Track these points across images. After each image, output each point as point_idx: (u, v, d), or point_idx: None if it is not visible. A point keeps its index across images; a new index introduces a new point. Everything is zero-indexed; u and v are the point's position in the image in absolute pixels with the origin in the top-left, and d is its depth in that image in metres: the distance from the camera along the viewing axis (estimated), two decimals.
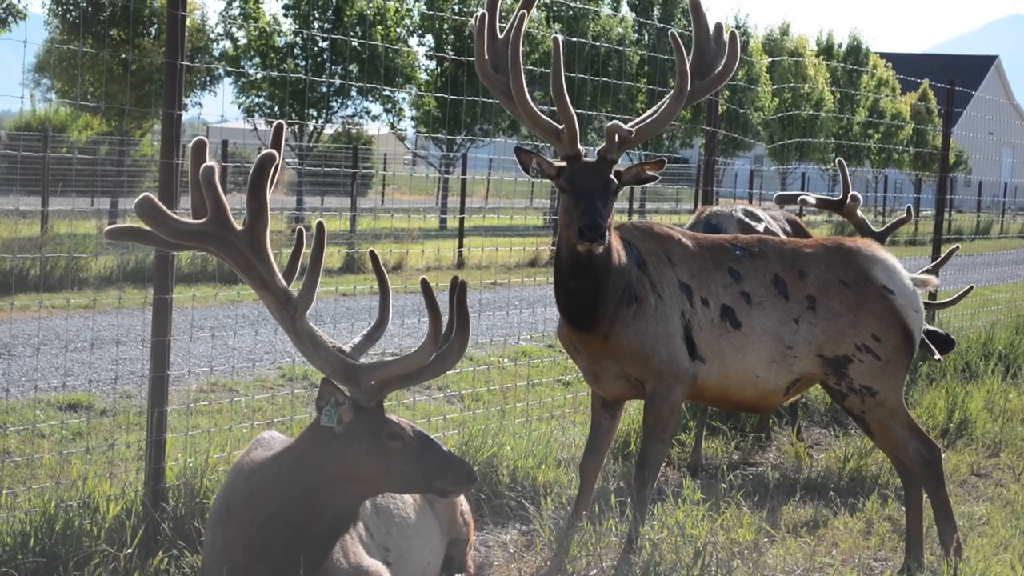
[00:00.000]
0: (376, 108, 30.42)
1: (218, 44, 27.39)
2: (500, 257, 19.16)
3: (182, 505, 5.46)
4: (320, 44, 27.74)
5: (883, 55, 53.64)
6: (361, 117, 30.65)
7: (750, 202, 12.22)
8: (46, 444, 7.13)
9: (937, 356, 7.09)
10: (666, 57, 11.92)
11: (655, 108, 5.51)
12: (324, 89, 27.52)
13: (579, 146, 5.27)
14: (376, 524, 4.52)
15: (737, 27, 40.28)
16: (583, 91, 11.15)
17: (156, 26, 22.97)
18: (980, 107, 37.73)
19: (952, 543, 5.49)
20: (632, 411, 7.60)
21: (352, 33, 27.07)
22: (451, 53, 29.29)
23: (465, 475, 4.19)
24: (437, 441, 4.26)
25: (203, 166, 4.13)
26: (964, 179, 46.16)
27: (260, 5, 27.02)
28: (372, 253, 4.57)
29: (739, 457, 7.99)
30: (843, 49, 48.60)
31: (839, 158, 8.19)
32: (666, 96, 5.54)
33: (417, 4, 30.08)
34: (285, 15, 28.38)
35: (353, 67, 27.43)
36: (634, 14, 36.29)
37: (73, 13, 22.79)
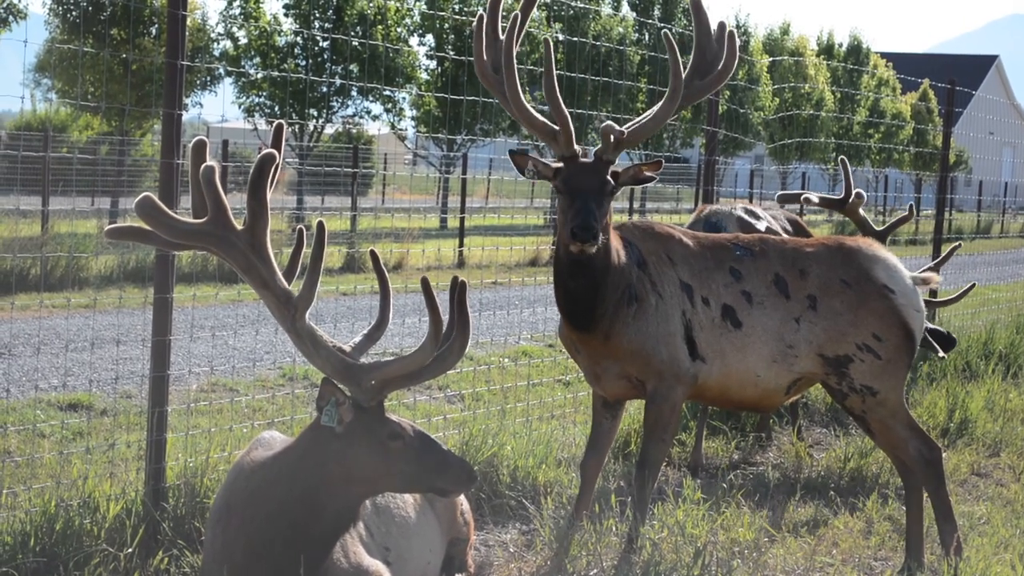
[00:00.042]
0: (376, 108, 30.46)
1: (219, 44, 27.41)
2: (500, 257, 19.16)
3: (182, 505, 5.46)
4: (321, 44, 27.75)
5: (883, 55, 53.64)
6: (361, 117, 30.69)
7: (750, 202, 12.21)
8: (46, 444, 7.13)
9: (941, 354, 7.09)
10: (666, 57, 11.91)
11: (652, 109, 5.53)
12: (324, 89, 27.52)
13: (575, 146, 5.27)
14: (376, 524, 4.52)
15: (737, 27, 40.27)
16: (583, 91, 11.16)
17: (156, 26, 22.98)
18: (980, 107, 37.72)
19: (952, 543, 5.49)
20: (633, 411, 7.60)
21: (352, 33, 27.07)
22: (451, 53, 29.29)
23: (465, 475, 4.19)
24: (437, 441, 4.26)
25: (203, 166, 4.13)
26: (964, 179, 46.15)
27: (261, 5, 27.03)
28: (372, 252, 4.57)
29: (739, 457, 7.99)
30: (843, 49, 48.61)
31: (842, 157, 8.18)
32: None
33: (418, 4, 30.09)
34: (286, 15, 28.40)
35: (353, 67, 27.43)
36: (635, 14, 36.29)
37: (73, 13, 22.80)
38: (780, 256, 5.54)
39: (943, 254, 7.80)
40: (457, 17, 16.20)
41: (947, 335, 7.19)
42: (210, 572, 4.16)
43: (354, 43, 26.62)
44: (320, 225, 4.21)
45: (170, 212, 4.13)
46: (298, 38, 26.96)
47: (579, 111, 10.84)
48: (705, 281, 5.46)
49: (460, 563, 5.14)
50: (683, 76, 5.31)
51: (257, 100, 27.89)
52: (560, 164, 5.28)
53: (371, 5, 27.77)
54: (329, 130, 31.25)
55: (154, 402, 5.56)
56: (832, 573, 5.65)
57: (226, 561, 4.08)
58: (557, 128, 5.27)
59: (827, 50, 47.36)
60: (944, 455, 5.66)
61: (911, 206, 8.09)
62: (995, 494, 7.26)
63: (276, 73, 25.92)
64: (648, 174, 5.30)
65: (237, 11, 26.88)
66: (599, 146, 5.32)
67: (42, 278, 13.22)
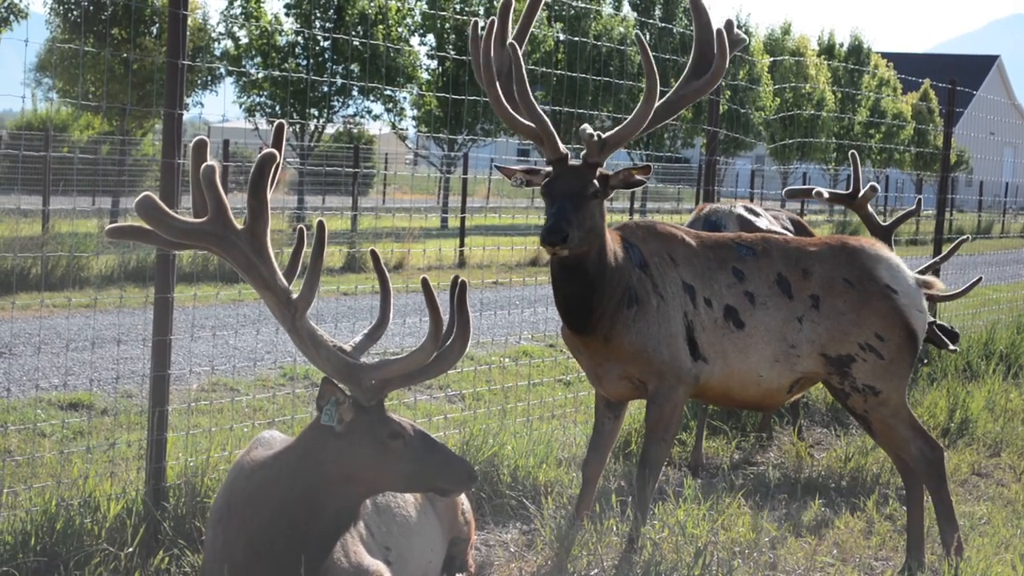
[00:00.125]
0: (377, 108, 30.48)
1: (219, 43, 27.43)
2: (501, 256, 19.16)
3: (183, 504, 5.46)
4: (322, 43, 27.77)
5: (884, 55, 53.65)
6: (362, 116, 30.70)
7: (751, 201, 12.23)
8: (47, 443, 7.13)
9: (952, 347, 7.13)
10: (668, 57, 11.92)
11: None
12: (325, 88, 27.53)
13: (562, 150, 5.27)
14: (377, 523, 4.52)
15: (738, 27, 40.24)
16: (584, 91, 11.15)
17: (157, 25, 23.00)
18: (981, 107, 37.72)
19: (953, 543, 5.49)
20: (633, 410, 7.60)
21: (354, 32, 27.08)
22: (452, 53, 29.29)
23: (466, 474, 4.19)
24: (438, 440, 4.26)
25: (204, 165, 4.13)
26: (965, 179, 46.15)
27: (262, 4, 27.05)
28: (373, 252, 4.57)
29: (740, 456, 7.99)
30: (844, 49, 48.62)
31: (852, 151, 8.15)
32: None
33: (419, 3, 30.08)
34: (286, 14, 28.42)
35: (354, 66, 27.44)
36: (636, 14, 36.30)
37: (74, 12, 22.82)
38: (783, 255, 5.54)
39: (948, 249, 7.80)
40: (458, 17, 16.21)
41: (951, 330, 7.21)
42: (211, 571, 4.16)
43: (355, 43, 26.63)
44: (320, 225, 4.21)
45: (171, 212, 4.13)
46: (299, 38, 26.98)
47: (580, 111, 10.84)
48: (707, 282, 5.45)
49: (461, 563, 5.14)
50: (656, 76, 5.27)
51: (258, 100, 27.91)
52: (549, 168, 5.30)
53: (372, 5, 27.78)
54: (330, 130, 31.27)
55: (155, 401, 5.56)
56: (833, 573, 5.65)
57: (227, 560, 4.08)
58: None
59: (828, 50, 47.37)
60: (945, 455, 5.65)
61: (919, 200, 8.09)
62: (996, 494, 7.26)
63: (277, 73, 25.93)
64: (638, 177, 5.30)
65: (238, 11, 26.89)
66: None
67: (43, 277, 13.22)
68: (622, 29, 34.32)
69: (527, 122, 5.30)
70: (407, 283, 12.07)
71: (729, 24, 5.69)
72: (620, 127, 5.34)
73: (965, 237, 7.92)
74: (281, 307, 4.16)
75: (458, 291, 4.27)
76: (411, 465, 4.14)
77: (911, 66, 48.17)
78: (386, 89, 27.16)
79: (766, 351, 5.41)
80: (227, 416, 7.81)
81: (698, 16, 5.60)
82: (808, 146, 39.14)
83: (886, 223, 7.72)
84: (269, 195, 4.16)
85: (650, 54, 5.24)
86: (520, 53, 5.33)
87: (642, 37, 5.42)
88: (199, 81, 25.26)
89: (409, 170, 39.06)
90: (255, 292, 4.23)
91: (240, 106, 27.63)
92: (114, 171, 24.41)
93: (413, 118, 31.77)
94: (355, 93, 28.82)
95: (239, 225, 4.14)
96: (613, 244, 5.36)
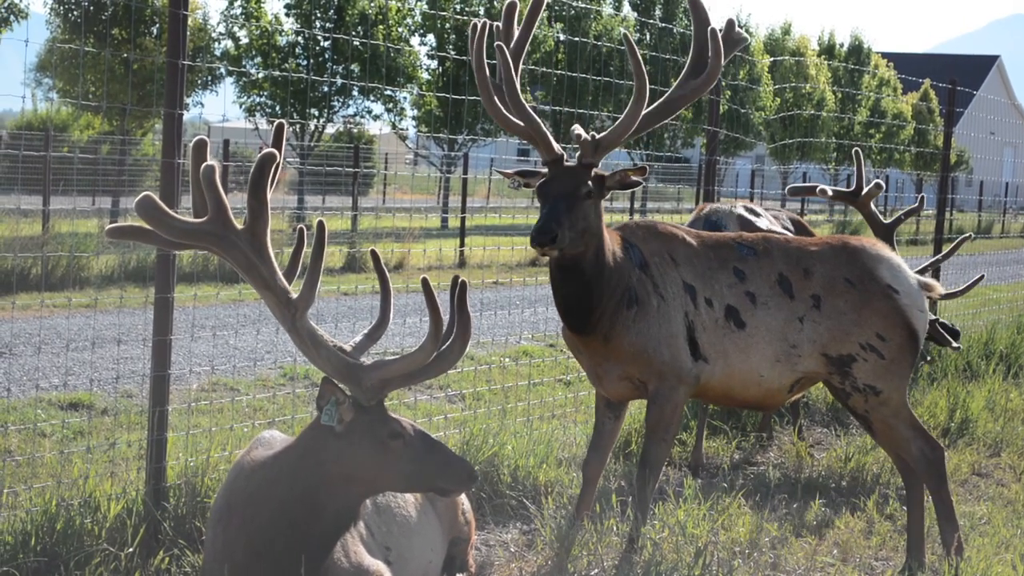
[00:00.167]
0: (377, 107, 30.49)
1: (220, 43, 27.44)
2: (501, 256, 19.16)
3: (183, 504, 5.46)
4: (322, 43, 27.77)
5: (885, 55, 53.66)
6: (362, 116, 30.71)
7: (751, 201, 12.23)
8: (47, 443, 7.13)
9: (955, 344, 7.14)
10: (668, 57, 11.92)
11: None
12: (325, 88, 27.53)
13: (557, 150, 5.27)
14: (377, 523, 4.52)
15: (739, 27, 40.21)
16: (585, 91, 11.15)
17: (158, 25, 23.01)
18: (981, 107, 37.73)
19: (953, 542, 5.49)
20: (633, 410, 7.60)
21: (354, 33, 27.08)
22: (453, 53, 29.30)
23: (466, 474, 4.19)
24: (438, 440, 4.26)
25: (204, 165, 4.13)
26: (965, 179, 46.15)
27: (262, 5, 27.05)
28: (373, 252, 4.57)
29: (740, 456, 7.99)
30: (844, 49, 48.62)
31: (856, 149, 8.13)
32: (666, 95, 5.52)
33: (419, 3, 30.09)
34: (287, 14, 28.43)
35: (355, 66, 27.45)
36: (636, 14, 36.30)
37: (75, 12, 22.82)
38: (784, 255, 5.53)
39: (951, 246, 7.82)
40: (458, 17, 16.21)
41: (952, 327, 7.23)
42: (211, 571, 4.16)
43: (355, 43, 26.63)
44: (320, 225, 4.21)
45: (170, 211, 4.13)
46: (299, 38, 26.98)
47: (580, 111, 10.85)
48: (708, 282, 5.45)
49: (461, 563, 5.14)
50: (645, 77, 5.26)
51: (258, 100, 27.92)
52: (545, 170, 5.31)
53: (372, 5, 27.78)
54: (330, 130, 31.28)
55: (155, 401, 5.56)
56: (833, 573, 5.65)
57: (227, 560, 4.08)
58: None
59: (828, 50, 47.38)
60: (945, 455, 5.66)
61: (922, 197, 8.09)
62: (996, 494, 7.26)
63: (277, 73, 25.93)
64: (635, 179, 5.29)
65: (238, 11, 26.89)
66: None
67: (43, 277, 13.22)
68: (622, 29, 34.29)
69: (519, 122, 5.30)
70: (407, 283, 12.07)
71: (730, 23, 5.68)
72: (612, 128, 5.33)
73: (967, 235, 7.92)
74: (281, 307, 4.16)
75: (458, 291, 4.27)
76: (411, 465, 4.14)
77: (911, 66, 48.19)
78: (386, 89, 27.17)
79: (767, 351, 5.41)
80: (227, 416, 7.81)
81: (696, 15, 5.58)
82: (808, 146, 39.15)
83: (888, 221, 7.72)
84: (269, 195, 4.16)
85: (638, 54, 5.22)
86: (508, 55, 5.32)
87: (630, 37, 5.40)
88: (199, 81, 25.26)
89: (409, 170, 39.05)
90: (255, 292, 4.23)
91: (240, 106, 27.65)
92: (114, 171, 24.42)
93: (413, 118, 31.79)
94: (355, 93, 28.82)
95: (239, 225, 4.14)
96: (612, 244, 5.36)
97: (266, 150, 4.13)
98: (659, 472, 5.50)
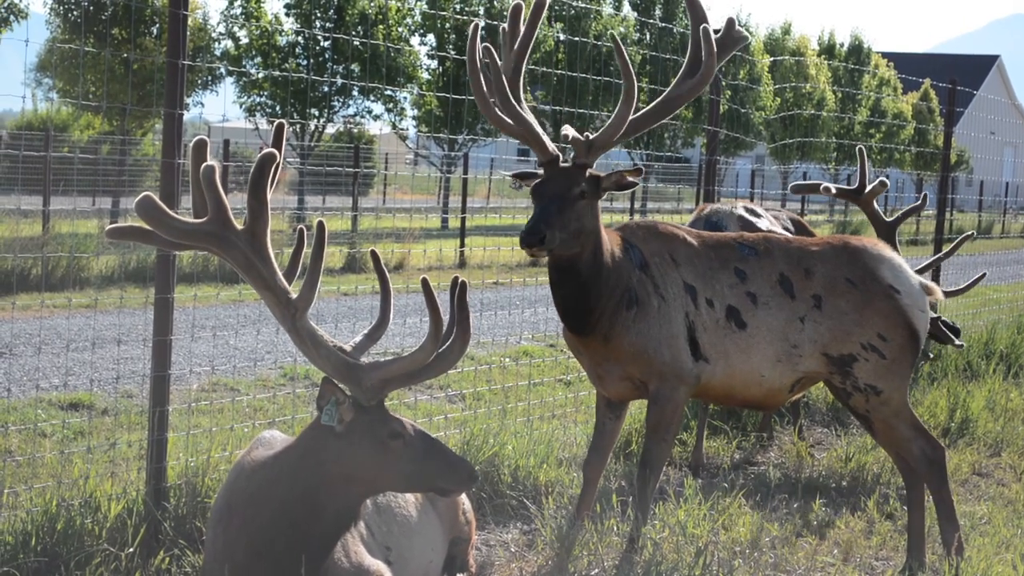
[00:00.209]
0: (378, 107, 30.47)
1: (220, 43, 27.43)
2: (502, 257, 19.16)
3: (183, 504, 5.46)
4: (322, 43, 27.77)
5: (885, 55, 53.64)
6: (363, 116, 30.69)
7: (751, 201, 12.23)
8: (47, 443, 7.13)
9: (959, 342, 7.14)
10: (668, 56, 11.91)
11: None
12: (326, 88, 27.53)
13: (552, 151, 5.26)
14: (377, 523, 4.52)
15: (739, 26, 40.18)
16: (585, 91, 11.15)
17: (158, 25, 23.00)
18: (982, 107, 37.72)
19: (954, 542, 5.49)
20: (634, 410, 7.60)
21: (354, 32, 27.08)
22: (453, 52, 29.29)
23: (466, 474, 4.19)
24: (438, 440, 4.26)
25: (204, 165, 4.13)
26: (966, 179, 46.13)
27: (262, 4, 27.04)
28: (373, 252, 4.57)
29: (741, 456, 7.99)
30: (845, 49, 48.61)
31: (860, 146, 8.12)
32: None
33: (419, 3, 30.08)
34: (287, 14, 28.42)
35: (355, 66, 27.44)
36: (636, 13, 36.30)
37: (75, 12, 22.82)
38: (785, 255, 5.53)
39: (953, 244, 7.82)
40: (458, 17, 16.20)
41: (952, 325, 7.24)
42: (211, 572, 4.16)
43: (355, 43, 26.62)
44: (320, 225, 4.21)
45: (170, 212, 4.13)
46: (299, 38, 26.97)
47: (580, 111, 10.85)
48: (709, 282, 5.45)
49: (462, 562, 5.14)
50: (633, 77, 5.25)
51: (258, 100, 27.92)
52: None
53: (372, 5, 27.77)
54: (330, 130, 31.26)
55: (155, 402, 5.56)
56: (833, 573, 5.65)
57: (227, 561, 4.08)
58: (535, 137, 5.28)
59: (828, 50, 47.37)
60: (946, 455, 5.65)
61: (924, 195, 8.09)
62: (996, 494, 7.26)
63: (277, 73, 25.93)
64: (631, 179, 5.28)
65: (238, 11, 26.89)
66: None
67: (43, 278, 13.22)
68: (622, 29, 34.31)
69: (512, 123, 5.31)
70: (407, 283, 12.08)
71: (730, 22, 5.66)
72: (603, 129, 5.31)
73: (969, 233, 7.92)
74: (281, 307, 4.16)
75: (458, 291, 4.27)
76: (411, 465, 4.14)
77: (911, 66, 48.17)
78: (386, 89, 27.17)
79: (768, 351, 5.41)
80: (227, 416, 7.81)
81: (693, 14, 5.56)
82: (808, 146, 39.14)
83: (890, 219, 7.71)
84: (269, 195, 4.15)
85: (626, 54, 5.22)
86: (496, 56, 5.32)
87: (617, 38, 5.39)
88: (199, 81, 25.26)
89: (409, 170, 39.04)
90: (255, 292, 4.23)
91: (240, 106, 27.65)
92: (114, 171, 24.41)
93: (413, 118, 31.78)
94: (355, 93, 28.81)
95: (239, 225, 4.14)
96: (612, 245, 5.36)
97: (266, 150, 4.13)
98: (660, 472, 5.51)
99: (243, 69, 27.41)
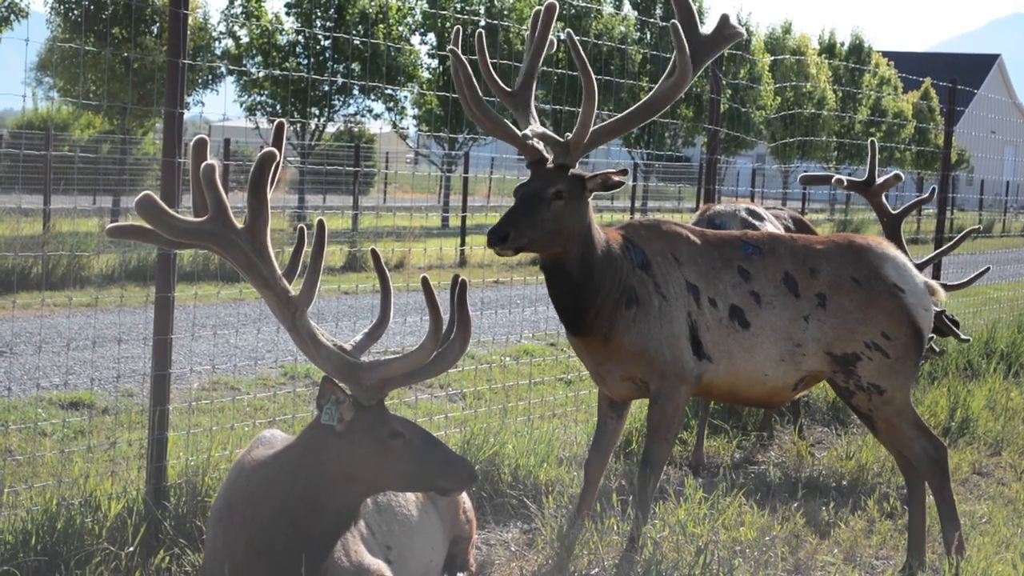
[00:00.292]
0: (378, 106, 30.47)
1: (220, 42, 27.42)
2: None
3: (184, 503, 5.46)
4: (322, 42, 27.76)
5: (885, 54, 53.62)
6: (363, 115, 30.69)
7: (752, 200, 12.19)
8: (48, 442, 7.13)
9: (964, 337, 7.15)
10: (668, 56, 11.90)
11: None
12: (326, 87, 27.52)
13: (536, 152, 5.26)
14: (378, 522, 4.51)
15: (739, 26, 40.17)
16: None
17: (158, 24, 23.00)
18: (982, 106, 37.72)
19: (954, 541, 5.49)
20: (635, 410, 7.60)
21: (354, 32, 27.08)
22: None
23: (466, 473, 4.19)
24: (438, 439, 4.26)
25: (204, 164, 4.13)
26: (966, 178, 46.14)
27: (262, 4, 27.04)
28: (374, 251, 4.57)
29: (741, 456, 7.99)
30: (845, 48, 48.58)
31: (872, 139, 8.10)
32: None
33: (419, 3, 30.08)
34: (287, 13, 28.41)
35: (355, 65, 27.44)
36: (636, 13, 36.28)
37: (75, 12, 22.81)
38: (790, 254, 5.53)
39: (956, 238, 7.81)
40: (459, 16, 16.18)
41: (952, 318, 7.28)
42: (211, 571, 4.16)
43: (356, 42, 26.62)
44: (320, 224, 4.21)
45: (170, 211, 4.13)
46: (300, 37, 26.97)
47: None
48: (712, 281, 5.45)
49: (462, 562, 5.14)
50: (591, 75, 5.23)
51: (259, 99, 27.92)
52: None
53: (373, 4, 27.78)
54: (331, 129, 31.26)
55: (155, 400, 5.56)
56: (834, 572, 5.64)
57: (227, 560, 4.08)
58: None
59: (829, 49, 47.34)
60: (948, 454, 5.65)
61: (933, 189, 8.09)
62: (996, 493, 7.26)
63: (278, 72, 25.93)
64: (617, 179, 5.28)
65: (239, 10, 26.89)
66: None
67: (44, 277, 13.23)
68: (623, 28, 34.30)
69: (493, 123, 5.33)
70: (408, 282, 12.07)
71: (724, 18, 5.62)
72: (576, 129, 5.30)
73: (974, 228, 7.91)
74: (281, 306, 4.16)
75: (458, 290, 4.26)
76: (411, 464, 4.14)
77: (912, 65, 48.18)
78: (387, 88, 27.17)
79: (772, 350, 5.40)
80: (228, 415, 7.81)
81: (680, 12, 5.53)
82: (809, 145, 39.12)
83: (896, 211, 7.68)
84: (269, 194, 4.15)
85: (582, 52, 5.22)
86: (464, 60, 5.33)
87: (572, 35, 5.37)
88: (200, 80, 25.26)
89: (410, 169, 39.06)
90: (256, 291, 4.23)
91: (241, 105, 27.66)
92: (115, 170, 24.41)
93: (414, 117, 31.77)
94: (356, 92, 28.81)
95: (239, 224, 4.14)
96: (609, 244, 5.35)
97: (266, 149, 4.13)
98: (660, 471, 5.51)
99: (243, 68, 27.41)
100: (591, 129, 5.27)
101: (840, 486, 7.23)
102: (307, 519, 4.06)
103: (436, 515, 4.89)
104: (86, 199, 27.69)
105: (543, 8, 5.55)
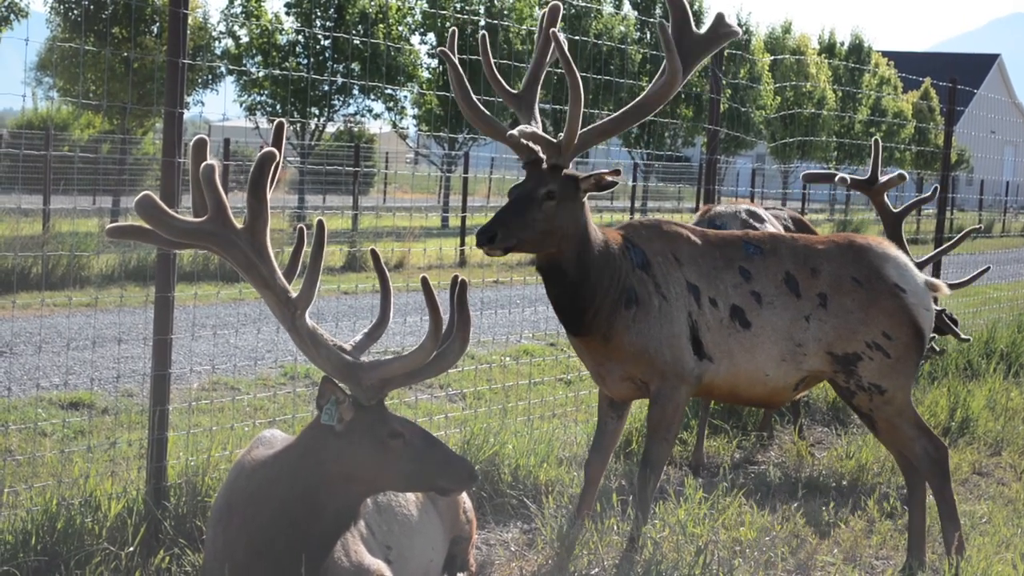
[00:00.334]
0: (378, 106, 30.46)
1: (220, 42, 27.42)
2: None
3: (184, 504, 5.46)
4: (322, 42, 27.75)
5: (885, 53, 53.62)
6: (363, 115, 30.68)
7: (752, 200, 12.19)
8: (48, 443, 7.13)
9: (964, 336, 7.16)
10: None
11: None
12: (326, 87, 27.52)
13: (532, 152, 5.27)
14: (378, 522, 4.51)
15: (739, 25, 40.17)
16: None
17: (158, 24, 23.00)
18: (982, 105, 37.72)
19: (955, 541, 5.49)
20: (635, 410, 7.60)
21: (354, 31, 27.08)
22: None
23: (466, 473, 4.19)
24: (438, 439, 4.25)
25: (204, 164, 4.13)
26: (966, 178, 46.13)
27: (262, 3, 27.04)
28: (373, 251, 4.57)
29: (741, 456, 7.99)
30: (845, 47, 48.59)
31: (875, 137, 8.10)
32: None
33: (419, 2, 30.08)
34: (287, 13, 28.40)
35: (355, 65, 27.43)
36: (636, 12, 36.29)
37: (75, 11, 22.81)
38: (792, 254, 5.53)
39: (956, 237, 7.80)
40: (459, 16, 16.17)
41: (951, 316, 7.29)
42: (211, 571, 4.16)
43: (356, 42, 26.62)
44: (320, 224, 4.21)
45: (170, 211, 4.13)
46: (300, 36, 26.97)
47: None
48: (713, 281, 5.44)
49: (462, 561, 5.14)
50: (577, 75, 5.23)
51: (259, 98, 27.91)
52: None
53: (373, 4, 27.77)
54: (330, 129, 31.25)
55: (155, 401, 5.56)
56: (833, 572, 5.64)
57: (227, 560, 4.08)
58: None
59: (828, 49, 47.35)
60: (948, 454, 5.65)
61: (936, 188, 8.09)
62: (996, 493, 7.26)
63: (278, 71, 25.93)
64: (610, 179, 5.28)
65: (239, 9, 26.89)
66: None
67: (43, 277, 13.22)
68: (623, 28, 34.30)
69: (486, 125, 5.35)
70: (408, 282, 12.07)
71: (719, 17, 5.61)
72: (565, 130, 5.29)
73: (976, 227, 7.92)
74: (281, 306, 4.16)
75: (458, 290, 4.26)
76: (411, 464, 4.14)
77: (912, 65, 48.18)
78: (387, 88, 27.16)
79: (773, 351, 5.40)
80: (228, 415, 7.81)
81: (674, 11, 5.53)
82: (809, 145, 39.13)
83: (897, 210, 7.68)
84: (269, 194, 4.15)
85: (567, 52, 5.23)
86: (454, 61, 5.34)
87: (557, 33, 5.38)
88: (200, 80, 25.25)
89: (410, 169, 39.05)
90: (255, 291, 4.23)
91: (241, 105, 27.65)
92: (115, 170, 24.41)
93: (414, 117, 31.76)
94: (356, 92, 28.80)
95: (239, 224, 4.14)
96: (607, 244, 5.35)
97: (266, 149, 4.13)
98: (660, 471, 5.51)
99: (243, 68, 27.41)
100: (582, 129, 5.28)
101: (840, 486, 7.23)
102: (307, 519, 4.06)
103: (436, 515, 4.89)
104: (86, 199, 27.69)
105: (547, 10, 5.56)
